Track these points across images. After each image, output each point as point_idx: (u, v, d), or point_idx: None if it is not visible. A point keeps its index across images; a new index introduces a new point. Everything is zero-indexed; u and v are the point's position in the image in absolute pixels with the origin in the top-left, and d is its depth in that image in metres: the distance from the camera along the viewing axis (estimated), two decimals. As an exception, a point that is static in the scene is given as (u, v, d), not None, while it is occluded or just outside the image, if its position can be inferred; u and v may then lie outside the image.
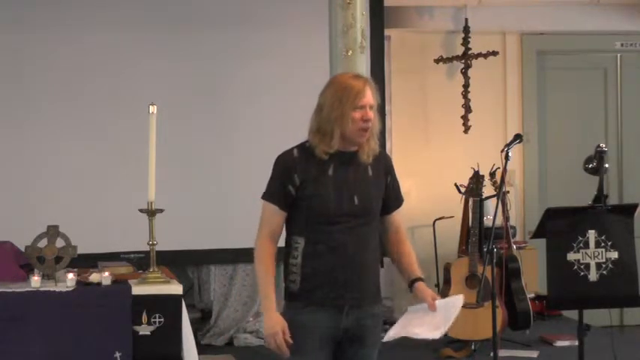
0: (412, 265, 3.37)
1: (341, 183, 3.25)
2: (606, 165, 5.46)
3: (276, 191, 3.29)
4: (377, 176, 3.32)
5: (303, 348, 3.25)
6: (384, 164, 3.36)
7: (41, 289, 3.95)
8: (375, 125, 3.28)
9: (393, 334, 3.23)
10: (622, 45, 7.83)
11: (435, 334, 3.18)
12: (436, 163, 7.42)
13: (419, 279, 3.33)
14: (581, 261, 4.68)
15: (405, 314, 3.34)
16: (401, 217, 3.45)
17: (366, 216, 3.27)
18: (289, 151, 3.32)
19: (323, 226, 3.24)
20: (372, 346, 3.36)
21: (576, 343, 4.86)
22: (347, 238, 3.23)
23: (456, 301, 3.27)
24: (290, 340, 3.21)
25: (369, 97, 3.24)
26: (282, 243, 3.39)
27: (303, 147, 3.31)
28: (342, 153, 3.27)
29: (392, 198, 3.39)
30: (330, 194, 3.24)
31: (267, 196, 3.31)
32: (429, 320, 3.21)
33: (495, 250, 4.60)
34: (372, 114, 3.24)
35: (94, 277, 4.07)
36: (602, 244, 4.70)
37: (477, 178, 6.23)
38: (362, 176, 3.29)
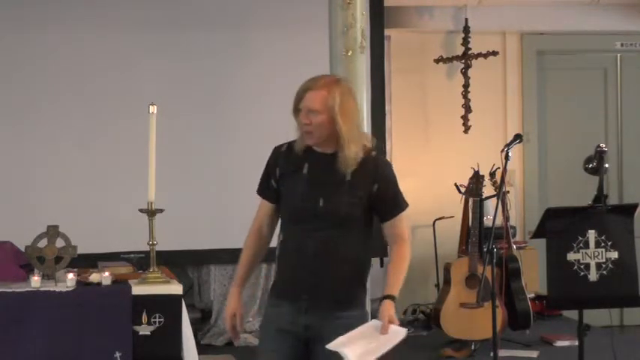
0: (391, 279, 3.23)
1: (311, 183, 3.24)
2: (606, 165, 5.45)
3: (263, 182, 3.39)
4: (356, 182, 3.22)
5: (263, 337, 3.38)
6: (372, 172, 3.24)
7: (41, 289, 3.95)
8: (343, 128, 3.17)
9: (334, 345, 3.15)
10: (622, 45, 7.82)
11: (333, 345, 3.11)
12: (436, 163, 7.42)
13: (388, 296, 3.19)
14: (581, 261, 4.68)
15: (362, 325, 3.21)
16: (401, 225, 3.31)
17: (333, 220, 3.20)
18: (281, 145, 3.38)
19: (292, 225, 3.29)
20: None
21: (576, 343, 4.86)
22: (309, 240, 3.22)
23: (398, 333, 3.14)
24: (239, 329, 3.34)
25: (308, 100, 3.20)
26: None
27: (293, 142, 3.34)
28: (319, 153, 3.26)
29: (384, 206, 3.27)
30: (298, 193, 3.25)
31: (258, 186, 3.41)
32: (367, 342, 3.10)
33: (495, 250, 4.60)
34: (306, 118, 3.19)
35: (94, 277, 4.08)
36: (602, 244, 4.70)
37: (477, 178, 6.22)
38: (335, 180, 3.22)
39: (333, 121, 3.18)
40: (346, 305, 3.24)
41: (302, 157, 3.28)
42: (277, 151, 3.36)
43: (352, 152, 3.20)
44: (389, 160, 7.14)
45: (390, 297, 3.18)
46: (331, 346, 3.10)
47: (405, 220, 3.32)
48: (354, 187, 3.22)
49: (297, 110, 3.24)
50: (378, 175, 3.25)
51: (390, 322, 3.15)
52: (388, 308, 3.16)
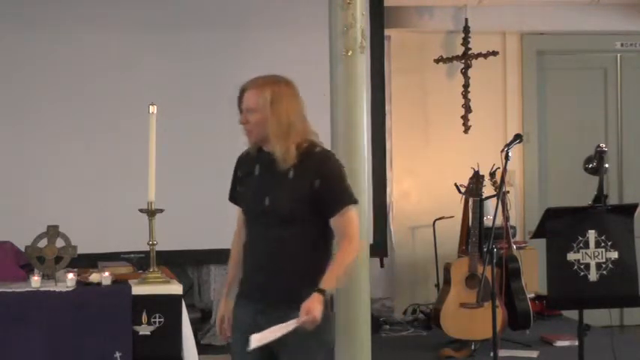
0: (327, 274, 3.16)
1: (260, 184, 3.29)
2: (606, 165, 5.45)
3: (231, 189, 3.48)
4: (298, 180, 3.21)
5: (233, 338, 3.41)
6: (313, 168, 3.22)
7: (41, 289, 3.95)
8: (272, 127, 3.21)
9: (255, 341, 3.15)
10: (622, 45, 7.82)
11: (252, 343, 3.10)
12: (436, 163, 7.42)
13: (317, 289, 3.12)
14: (581, 261, 4.68)
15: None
16: (345, 222, 3.22)
17: (278, 218, 3.21)
18: (243, 152, 3.45)
19: (249, 226, 3.34)
20: (300, 350, 3.22)
21: (576, 343, 4.86)
22: (261, 240, 3.26)
23: (289, 325, 3.09)
24: (228, 333, 3.38)
25: (245, 100, 3.29)
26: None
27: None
28: (266, 153, 3.30)
29: (325, 202, 3.21)
30: (249, 193, 3.32)
31: (229, 193, 3.49)
32: (272, 331, 3.11)
33: (495, 250, 4.60)
34: (244, 117, 3.28)
35: (94, 277, 4.08)
36: (602, 244, 4.70)
37: (477, 178, 6.22)
38: (279, 178, 3.23)
39: (266, 119, 3.23)
40: (301, 305, 3.16)
41: (254, 158, 3.35)
42: (240, 157, 3.46)
43: (278, 149, 3.21)
44: (387, 159, 7.18)
45: (319, 290, 3.12)
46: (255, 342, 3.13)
47: (351, 217, 3.24)
48: (296, 185, 3.22)
49: (240, 111, 3.32)
50: (319, 171, 3.22)
51: (307, 312, 3.08)
52: (311, 301, 3.10)
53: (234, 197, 3.47)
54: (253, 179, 3.33)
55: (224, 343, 6.53)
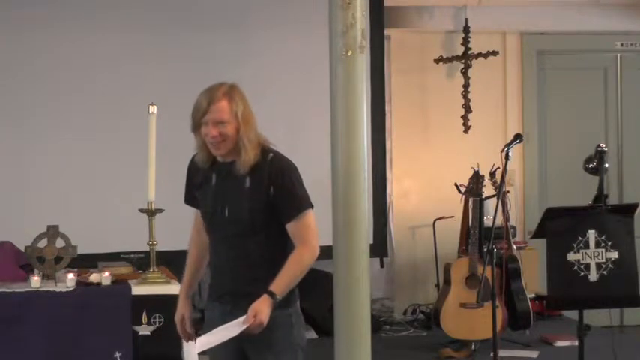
0: (278, 277, 3.15)
1: (218, 194, 3.27)
2: (606, 165, 5.46)
3: (186, 192, 3.45)
4: (254, 188, 3.20)
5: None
6: (267, 175, 3.20)
7: (41, 289, 3.96)
8: (247, 134, 3.17)
9: (200, 345, 3.15)
10: (622, 45, 7.82)
11: (197, 347, 3.13)
12: (436, 163, 7.42)
13: (267, 291, 3.11)
14: (581, 261, 4.68)
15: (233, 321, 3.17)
16: (301, 228, 3.20)
17: (239, 227, 3.20)
18: (194, 156, 3.38)
19: (209, 233, 3.34)
20: (265, 352, 3.22)
21: (576, 343, 4.86)
22: (223, 247, 3.28)
23: (234, 327, 3.10)
24: (188, 330, 3.35)
25: (214, 112, 3.18)
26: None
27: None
28: (222, 164, 3.27)
29: (279, 208, 3.19)
30: (208, 204, 3.29)
31: (184, 196, 3.47)
32: (218, 333, 3.12)
33: (495, 250, 4.60)
34: (215, 130, 3.16)
35: (94, 277, 4.08)
36: (602, 244, 4.70)
37: (476, 178, 6.23)
38: (237, 188, 3.22)
39: (238, 128, 3.18)
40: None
41: (210, 168, 3.31)
42: (191, 163, 3.41)
43: (249, 157, 3.19)
44: (387, 159, 7.18)
45: (269, 292, 3.11)
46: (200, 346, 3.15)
47: (307, 222, 3.21)
48: (253, 193, 3.20)
49: (199, 125, 3.20)
50: (272, 178, 3.20)
51: (255, 315, 3.08)
52: (260, 302, 3.09)
53: (189, 200, 3.44)
54: (210, 188, 3.29)
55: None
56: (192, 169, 3.39)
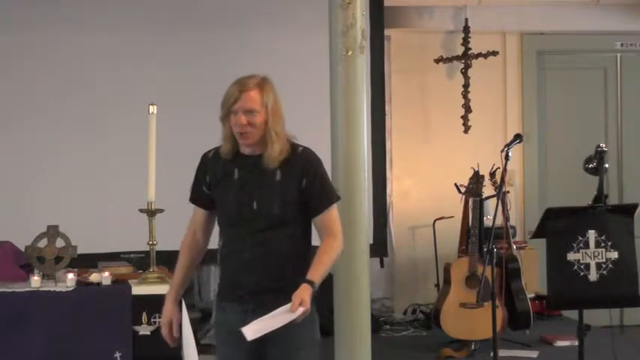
0: (314, 266, 3.16)
1: (243, 187, 3.23)
2: (606, 165, 5.45)
3: (194, 190, 3.39)
4: (286, 181, 3.20)
5: (217, 342, 3.36)
6: (299, 167, 3.22)
7: (41, 289, 3.95)
8: (275, 127, 3.19)
9: (252, 332, 3.13)
10: (622, 45, 7.82)
11: (248, 335, 3.07)
12: (436, 163, 7.42)
13: (306, 280, 3.12)
14: (581, 261, 4.68)
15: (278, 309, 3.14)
16: (330, 219, 3.24)
17: (269, 221, 3.19)
18: (208, 152, 3.38)
19: (228, 229, 3.29)
20: (290, 348, 3.22)
21: (576, 343, 4.86)
22: (246, 243, 3.22)
23: (281, 315, 3.07)
24: (175, 334, 3.33)
25: (244, 101, 3.20)
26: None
27: (219, 148, 3.34)
28: (247, 156, 3.25)
29: (312, 201, 3.22)
30: (231, 198, 3.24)
31: (190, 195, 3.40)
32: (266, 321, 3.09)
33: (495, 250, 4.60)
34: (245, 118, 3.17)
35: (94, 277, 4.08)
36: (602, 244, 4.70)
37: (476, 178, 6.22)
38: (266, 181, 3.21)
39: (267, 120, 3.19)
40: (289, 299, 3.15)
41: (231, 162, 3.28)
42: (205, 157, 3.38)
43: (276, 151, 3.19)
44: (387, 159, 7.18)
45: (308, 281, 3.11)
46: (251, 333, 3.09)
47: (335, 214, 3.27)
48: (284, 186, 3.20)
49: (229, 113, 3.22)
50: (305, 170, 3.22)
51: (300, 303, 3.07)
52: (302, 290, 3.08)
53: (196, 199, 3.39)
54: (233, 182, 3.25)
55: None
56: (208, 164, 3.35)
